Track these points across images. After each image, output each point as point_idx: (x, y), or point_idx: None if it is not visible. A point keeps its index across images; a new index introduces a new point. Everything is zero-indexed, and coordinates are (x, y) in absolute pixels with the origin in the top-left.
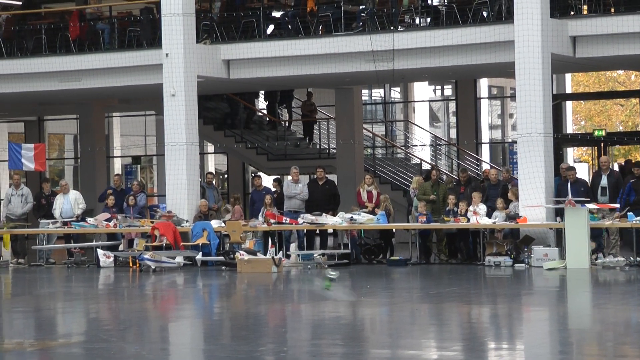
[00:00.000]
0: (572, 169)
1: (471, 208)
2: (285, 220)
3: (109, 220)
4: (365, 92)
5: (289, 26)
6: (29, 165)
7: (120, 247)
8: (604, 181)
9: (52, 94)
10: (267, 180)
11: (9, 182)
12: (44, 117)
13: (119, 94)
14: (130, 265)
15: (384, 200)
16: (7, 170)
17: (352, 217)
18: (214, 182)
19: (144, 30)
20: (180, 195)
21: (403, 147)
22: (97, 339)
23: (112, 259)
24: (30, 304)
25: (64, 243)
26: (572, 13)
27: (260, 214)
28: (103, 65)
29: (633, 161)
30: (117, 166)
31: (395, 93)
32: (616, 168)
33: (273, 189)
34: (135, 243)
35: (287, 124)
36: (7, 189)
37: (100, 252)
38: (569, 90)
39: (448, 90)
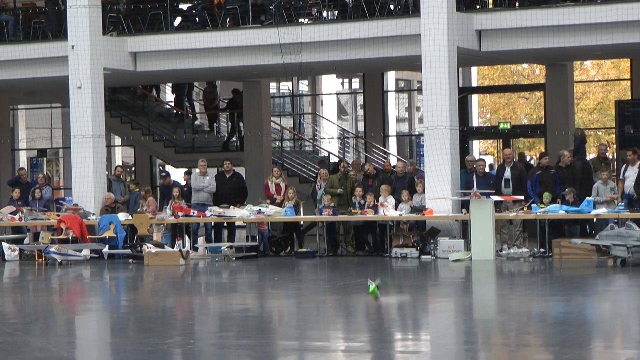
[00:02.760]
0: (482, 160)
1: (380, 200)
2: (193, 212)
3: (14, 213)
4: (273, 84)
5: (196, 18)
6: None
7: (26, 241)
8: (507, 173)
9: None
10: (177, 173)
11: None
12: None
13: (24, 86)
14: (36, 258)
15: (293, 193)
16: None
17: (260, 209)
18: (121, 176)
19: (49, 22)
20: (87, 188)
21: (311, 140)
22: (2, 332)
23: (17, 252)
24: None
25: None
26: (478, 7)
27: (168, 206)
28: (7, 57)
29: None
30: (23, 159)
31: (303, 86)
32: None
33: (184, 182)
34: (41, 236)
35: (192, 117)
36: None
37: (5, 245)
38: (474, 83)
39: (356, 83)
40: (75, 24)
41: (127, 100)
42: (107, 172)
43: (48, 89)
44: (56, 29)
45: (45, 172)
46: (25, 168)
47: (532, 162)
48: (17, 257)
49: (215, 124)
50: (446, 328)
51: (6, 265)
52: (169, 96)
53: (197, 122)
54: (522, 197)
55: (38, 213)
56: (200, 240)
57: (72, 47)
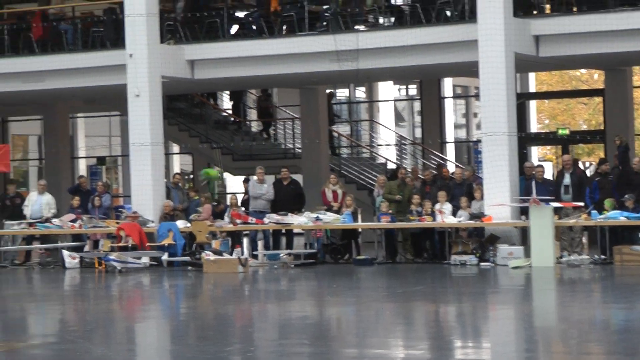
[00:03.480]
0: (541, 166)
1: (437, 207)
2: (251, 220)
3: (74, 221)
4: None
5: (253, 26)
6: None
7: (86, 248)
8: (567, 179)
9: (16, 95)
10: (234, 180)
11: None
12: (8, 118)
13: (83, 94)
14: (96, 266)
15: (350, 200)
16: None
17: (317, 216)
18: (179, 183)
19: (107, 31)
20: (146, 196)
21: (368, 147)
22: (64, 340)
23: (77, 260)
24: None
25: (27, 244)
26: (535, 12)
27: (226, 214)
28: (66, 66)
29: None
30: (82, 167)
31: (360, 93)
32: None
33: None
34: (100, 244)
35: (249, 124)
36: None
37: (65, 253)
38: (532, 89)
39: (413, 90)
40: (133, 33)
41: (184, 108)
42: (165, 180)
43: (107, 98)
44: (114, 37)
45: (104, 180)
46: (85, 176)
47: (588, 168)
48: (78, 264)
49: (272, 131)
50: (506, 336)
51: (67, 273)
52: (226, 103)
53: (253, 130)
54: (582, 204)
55: (98, 221)
56: (260, 246)
57: (130, 55)
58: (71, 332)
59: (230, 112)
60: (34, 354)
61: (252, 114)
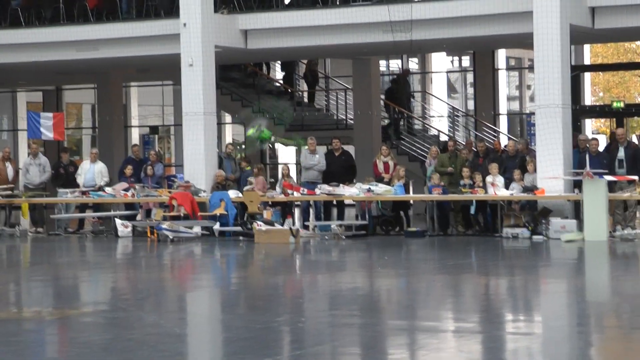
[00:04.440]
0: (595, 139)
1: (489, 179)
2: (303, 191)
3: (126, 190)
4: (382, 62)
5: None
6: (48, 134)
7: (138, 217)
8: (621, 153)
9: (70, 64)
10: (286, 151)
11: (27, 152)
12: (62, 86)
13: (137, 63)
14: (148, 235)
15: (402, 172)
16: (27, 140)
17: (369, 188)
18: (232, 153)
19: (161, 0)
20: (198, 166)
21: (420, 118)
22: (116, 308)
23: (129, 228)
24: (48, 273)
25: (80, 212)
26: None
27: (277, 184)
28: (120, 35)
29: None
30: (135, 136)
31: (413, 64)
32: (634, 140)
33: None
34: (153, 213)
35: (301, 94)
36: (26, 158)
37: (118, 221)
38: (587, 61)
39: (466, 61)
40: (187, 2)
41: (237, 77)
42: (217, 150)
43: (160, 67)
44: (168, 6)
45: (157, 149)
46: (138, 145)
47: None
48: (130, 233)
49: (324, 101)
50: (558, 310)
51: (119, 242)
52: (278, 74)
53: (305, 100)
54: (636, 177)
55: (150, 190)
56: (311, 216)
57: (184, 25)
58: (123, 300)
59: (282, 82)
60: (86, 321)
61: (304, 85)
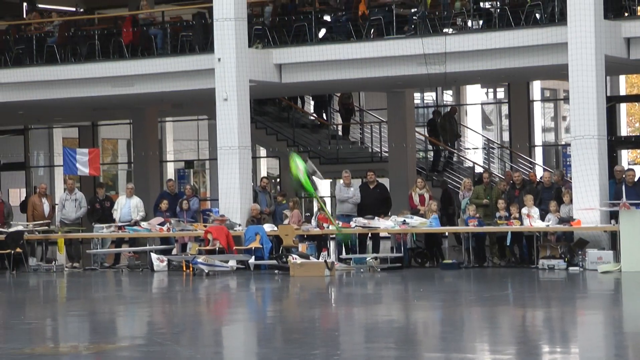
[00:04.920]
0: (631, 170)
1: (524, 211)
2: (338, 224)
3: (162, 224)
4: (417, 95)
5: (341, 30)
6: (84, 170)
7: (174, 251)
8: None
9: (106, 99)
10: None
11: (63, 187)
12: (98, 122)
13: (172, 98)
14: (184, 269)
15: (434, 205)
16: (63, 175)
17: (404, 220)
18: (267, 187)
19: (196, 35)
20: (233, 199)
21: (455, 151)
22: (152, 342)
23: (165, 262)
24: (85, 308)
25: (116, 247)
26: (626, 14)
27: (313, 217)
28: (156, 70)
29: None
30: (170, 171)
31: (448, 96)
32: None
33: None
34: (188, 247)
35: (336, 127)
36: (62, 193)
37: (153, 256)
38: (622, 92)
39: (500, 93)
40: (221, 37)
41: (272, 111)
42: (252, 183)
43: (195, 101)
44: (203, 42)
45: (192, 184)
46: (173, 179)
47: None
48: (166, 267)
49: (359, 134)
50: (595, 341)
51: (155, 276)
52: (313, 108)
53: (339, 133)
54: None
55: (185, 224)
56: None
57: (219, 59)
58: (159, 334)
59: (315, 115)
60: (123, 356)
61: (338, 118)
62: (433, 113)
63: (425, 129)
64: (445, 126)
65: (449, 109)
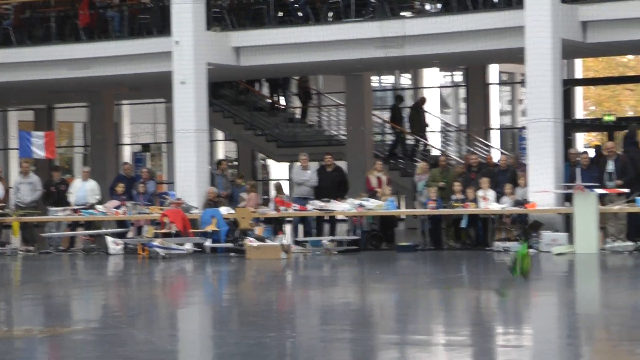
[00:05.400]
0: (586, 153)
1: (480, 193)
2: (295, 206)
3: (118, 207)
4: (375, 78)
5: (299, 13)
6: (39, 153)
7: (130, 235)
8: (610, 166)
9: (62, 82)
10: (278, 167)
11: (18, 170)
12: (54, 105)
13: (129, 81)
14: (140, 252)
15: (388, 189)
16: (18, 159)
17: (361, 203)
18: (224, 170)
19: (153, 18)
20: (190, 183)
21: (413, 134)
22: (107, 325)
23: (121, 246)
24: (39, 291)
25: (71, 230)
26: None
27: (270, 200)
28: (113, 53)
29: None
30: (127, 154)
31: (406, 79)
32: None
33: None
34: (144, 230)
35: (293, 110)
36: (17, 177)
37: (109, 239)
38: (579, 75)
39: (458, 76)
40: (179, 20)
41: (229, 94)
42: (209, 167)
43: (152, 85)
44: (160, 24)
45: (149, 167)
46: (129, 162)
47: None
48: (121, 250)
49: (316, 117)
50: (549, 322)
51: (110, 259)
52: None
53: (297, 117)
54: (626, 190)
55: (142, 207)
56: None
57: (176, 42)
58: (114, 317)
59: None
60: (78, 339)
61: (296, 101)
62: (395, 98)
63: (389, 115)
64: (415, 117)
65: (419, 99)
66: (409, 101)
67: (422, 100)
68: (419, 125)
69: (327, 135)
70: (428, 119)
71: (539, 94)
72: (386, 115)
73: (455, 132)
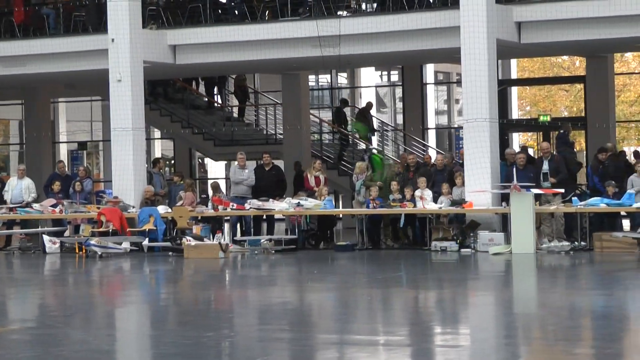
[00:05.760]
0: (522, 153)
1: (417, 193)
2: (232, 205)
3: (54, 206)
4: (312, 77)
5: (236, 11)
6: None
7: (66, 233)
8: (545, 166)
9: None
10: (216, 166)
11: None
12: None
13: (65, 79)
14: (77, 251)
15: (325, 190)
16: None
17: (299, 202)
18: (161, 169)
19: (89, 15)
20: (127, 181)
21: (349, 133)
22: (43, 325)
23: (58, 245)
24: None
25: (7, 229)
26: None
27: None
28: (48, 51)
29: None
30: (63, 152)
31: (342, 78)
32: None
33: None
34: (81, 229)
35: (230, 109)
36: None
37: (46, 238)
38: (514, 75)
39: (395, 76)
40: (115, 17)
41: (166, 93)
42: (146, 165)
43: (88, 82)
44: (96, 22)
45: (85, 165)
46: (63, 161)
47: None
48: (58, 249)
49: (254, 116)
50: (486, 322)
51: (47, 258)
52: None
53: (234, 115)
54: (562, 190)
55: (78, 206)
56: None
57: (112, 40)
58: (51, 317)
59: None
60: (13, 338)
61: (234, 100)
62: (340, 101)
63: (332, 117)
64: (362, 122)
65: (366, 104)
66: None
67: (369, 105)
68: (366, 131)
69: (264, 134)
70: (375, 123)
71: (475, 93)
72: (323, 114)
73: (391, 131)
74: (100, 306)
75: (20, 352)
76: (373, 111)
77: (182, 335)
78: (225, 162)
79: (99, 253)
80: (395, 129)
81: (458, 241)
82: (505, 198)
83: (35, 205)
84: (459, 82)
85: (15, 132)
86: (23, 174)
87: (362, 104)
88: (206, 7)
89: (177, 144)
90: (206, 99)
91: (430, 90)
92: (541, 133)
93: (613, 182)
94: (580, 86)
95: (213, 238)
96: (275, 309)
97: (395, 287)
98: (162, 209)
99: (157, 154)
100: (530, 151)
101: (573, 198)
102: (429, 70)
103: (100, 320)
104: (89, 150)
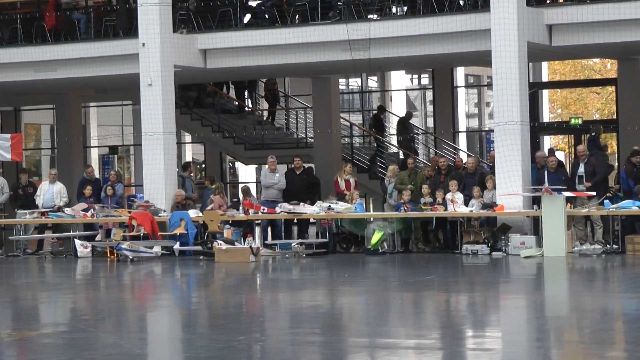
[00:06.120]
0: (553, 156)
1: (448, 196)
2: (263, 209)
3: (86, 210)
4: (342, 81)
5: (266, 15)
6: (6, 155)
7: (98, 237)
8: (581, 169)
9: (28, 84)
10: (246, 169)
11: None
12: (20, 107)
13: (96, 83)
14: (108, 255)
15: (356, 194)
16: None
17: (329, 206)
18: (191, 173)
19: (120, 20)
20: (158, 185)
21: (380, 136)
22: (75, 329)
23: (89, 249)
24: (7, 294)
25: (39, 234)
26: (548, 1)
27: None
28: (79, 55)
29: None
30: (94, 156)
31: (373, 82)
32: None
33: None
34: (112, 233)
35: (261, 113)
36: None
37: (77, 242)
38: (545, 78)
39: (425, 79)
40: (146, 22)
41: (197, 97)
42: (177, 169)
43: (119, 87)
44: (127, 26)
45: (116, 169)
46: (93, 165)
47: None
48: (90, 253)
49: (284, 120)
50: (518, 325)
51: (78, 262)
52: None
53: (265, 119)
54: (594, 193)
55: (110, 210)
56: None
57: (143, 44)
58: (83, 321)
59: (240, 101)
60: (46, 342)
61: (264, 104)
62: (378, 108)
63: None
64: (402, 132)
65: (405, 113)
66: (376, 103)
67: (409, 115)
68: (406, 139)
69: (294, 137)
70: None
71: (506, 96)
72: (354, 118)
73: (422, 134)
74: (131, 310)
75: (53, 356)
76: (403, 113)
77: (213, 339)
78: (256, 165)
79: (130, 257)
80: (426, 132)
81: (489, 244)
82: (536, 201)
83: (67, 210)
84: (489, 85)
85: (46, 137)
86: (54, 178)
87: (393, 107)
88: (236, 11)
89: (207, 148)
90: (236, 103)
91: (461, 93)
92: (572, 136)
93: None
94: (611, 89)
95: (244, 242)
96: (307, 312)
97: (426, 290)
98: (193, 213)
99: (188, 158)
100: (560, 154)
101: (605, 201)
102: (460, 73)
103: (131, 324)
104: (120, 154)
